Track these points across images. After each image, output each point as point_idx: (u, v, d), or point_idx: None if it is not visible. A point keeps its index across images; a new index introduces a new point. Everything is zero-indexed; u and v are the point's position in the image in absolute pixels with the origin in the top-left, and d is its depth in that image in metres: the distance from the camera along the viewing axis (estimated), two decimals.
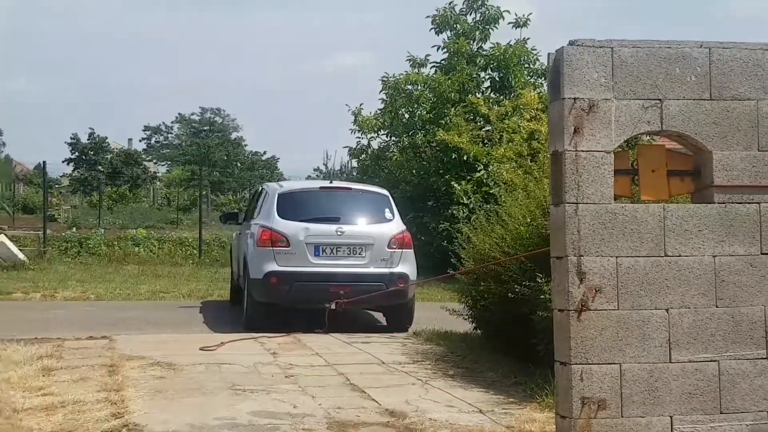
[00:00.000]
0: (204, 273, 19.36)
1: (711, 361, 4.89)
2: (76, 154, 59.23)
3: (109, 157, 58.85)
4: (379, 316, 12.00)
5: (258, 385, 7.26)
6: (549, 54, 4.99)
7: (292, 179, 15.03)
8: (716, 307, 4.91)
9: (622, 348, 4.79)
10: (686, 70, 4.96)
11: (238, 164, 69.41)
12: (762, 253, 4.95)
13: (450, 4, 19.52)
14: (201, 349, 8.94)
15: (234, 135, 78.87)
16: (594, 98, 4.82)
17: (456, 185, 16.62)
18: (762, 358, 4.93)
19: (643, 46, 4.94)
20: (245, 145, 76.77)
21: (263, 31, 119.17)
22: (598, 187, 4.80)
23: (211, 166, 60.63)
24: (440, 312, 10.85)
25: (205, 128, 79.15)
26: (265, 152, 74.98)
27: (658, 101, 4.91)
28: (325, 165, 31.89)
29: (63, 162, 58.78)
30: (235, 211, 18.89)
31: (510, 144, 15.07)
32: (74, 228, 27.25)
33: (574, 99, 4.80)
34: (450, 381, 7.72)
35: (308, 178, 29.75)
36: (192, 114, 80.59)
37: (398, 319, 11.18)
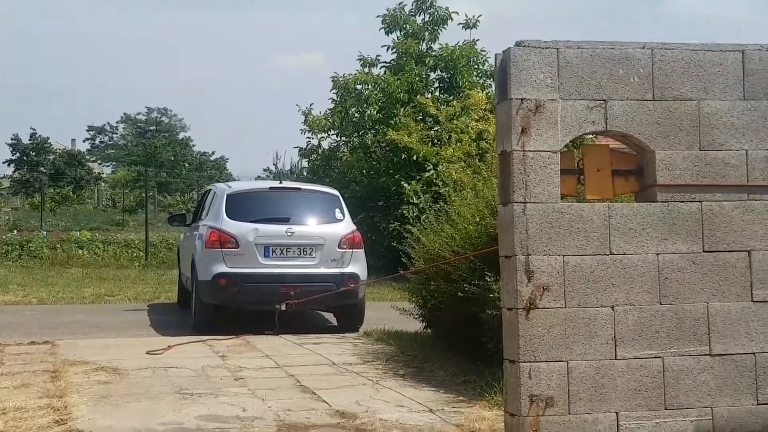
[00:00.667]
0: (151, 275, 19.09)
1: (655, 357, 4.97)
2: (17, 155, 58.02)
3: (51, 158, 57.77)
4: (330, 317, 11.96)
5: (206, 389, 7.17)
6: (496, 55, 5.03)
7: (241, 180, 14.91)
8: (660, 304, 4.99)
9: (569, 345, 4.84)
10: (629, 71, 5.03)
11: (186, 165, 68.61)
12: (704, 251, 5.05)
13: (400, 4, 19.55)
14: (147, 352, 8.80)
15: (181, 135, 77.98)
16: (540, 99, 4.86)
17: (406, 185, 16.61)
18: (705, 355, 5.02)
19: (587, 47, 5.00)
20: (193, 146, 75.95)
21: (209, 30, 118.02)
22: (545, 186, 4.84)
23: (157, 166, 59.78)
24: (391, 312, 10.86)
25: (152, 128, 78.16)
26: (213, 153, 74.36)
27: (603, 102, 4.98)
28: (275, 165, 31.76)
29: (3, 163, 57.62)
30: (183, 212, 18.64)
31: (459, 144, 15.15)
32: (15, 231, 26.68)
33: (521, 99, 4.84)
34: (400, 381, 7.73)
35: (258, 178, 29.60)
36: (138, 114, 79.56)
37: (349, 319, 11.17)
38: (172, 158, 67.84)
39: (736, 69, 5.13)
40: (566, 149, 5.05)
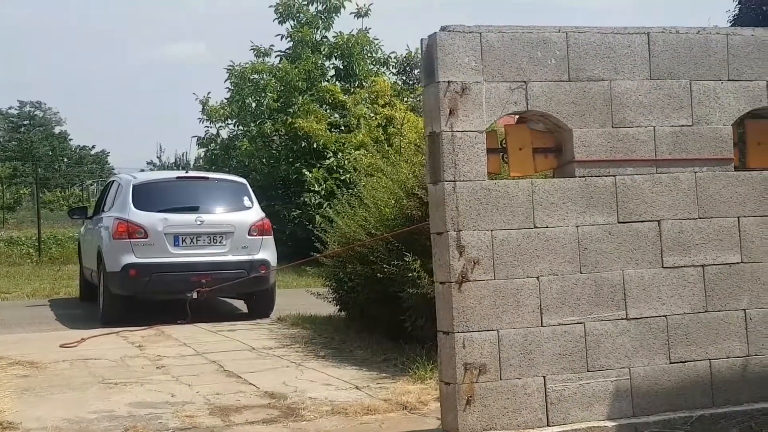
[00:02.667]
0: (46, 272, 18.56)
1: (578, 323, 5.27)
2: None
3: None
4: (240, 304, 12.00)
5: (129, 378, 7.15)
6: (422, 39, 5.20)
7: (122, 172, 14.68)
8: (580, 273, 5.29)
9: (499, 315, 5.09)
10: (547, 54, 5.30)
11: (65, 159, 66.31)
12: (619, 222, 5.38)
13: None
14: (61, 346, 8.66)
15: (58, 129, 75.08)
16: (466, 81, 5.08)
17: (307, 173, 16.76)
18: (622, 319, 5.36)
19: (507, 31, 5.24)
20: (71, 140, 73.38)
21: (84, 18, 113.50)
22: (473, 165, 5.06)
23: (35, 162, 57.52)
24: (300, 297, 11.02)
25: (26, 123, 74.95)
26: (93, 146, 71.99)
27: (524, 83, 5.23)
28: (159, 158, 31.20)
29: None
30: (84, 205, 18.23)
31: (367, 130, 15.34)
32: None
33: (449, 82, 5.04)
34: (322, 361, 7.88)
35: (141, 171, 29.05)
36: (9, 108, 76.09)
37: (260, 305, 11.30)
38: (50, 153, 65.38)
39: (642, 51, 5.47)
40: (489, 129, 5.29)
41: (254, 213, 11.16)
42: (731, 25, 17.71)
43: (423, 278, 7.18)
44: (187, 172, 13.24)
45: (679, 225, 5.46)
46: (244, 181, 12.00)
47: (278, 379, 7.04)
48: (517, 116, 5.51)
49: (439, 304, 5.15)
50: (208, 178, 12.21)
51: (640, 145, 5.43)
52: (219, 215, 10.95)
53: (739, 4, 19.03)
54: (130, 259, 10.32)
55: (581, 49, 5.36)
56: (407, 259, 7.41)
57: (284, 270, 14.94)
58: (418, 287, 7.27)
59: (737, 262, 5.56)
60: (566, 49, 5.33)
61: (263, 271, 10.77)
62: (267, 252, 10.99)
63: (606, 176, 5.37)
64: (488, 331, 5.08)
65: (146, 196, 10.91)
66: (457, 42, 5.09)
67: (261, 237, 10.95)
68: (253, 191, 11.88)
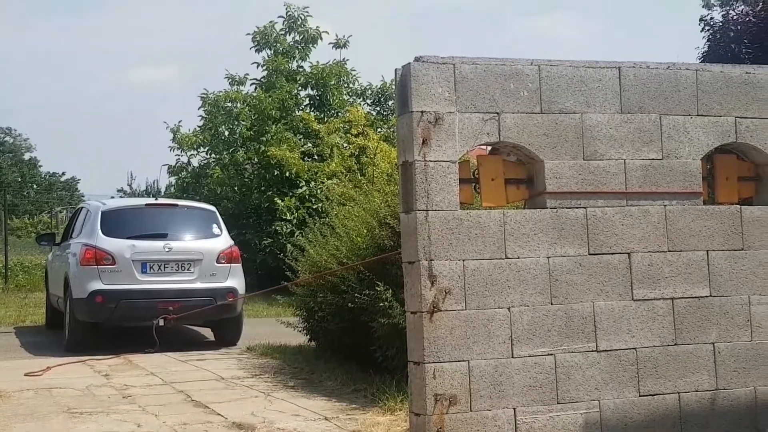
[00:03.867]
0: (12, 299, 18.27)
1: (548, 354, 5.27)
2: None
3: None
4: (207, 332, 11.90)
5: (95, 407, 7.02)
6: (396, 69, 5.23)
7: (92, 199, 14.57)
8: (551, 304, 5.30)
9: (470, 346, 5.08)
10: (520, 86, 5.35)
11: (34, 186, 65.70)
12: (589, 254, 5.40)
13: (270, 23, 19.64)
14: (26, 374, 8.50)
15: (27, 155, 74.39)
16: (439, 111, 5.10)
17: (279, 201, 16.72)
18: (592, 351, 5.37)
19: (481, 63, 5.28)
20: (40, 166, 72.74)
21: (52, 46, 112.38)
22: (445, 195, 5.07)
23: (3, 188, 56.90)
24: (271, 327, 10.94)
25: None
26: (64, 173, 71.36)
27: (496, 114, 5.27)
28: (129, 186, 31.00)
29: None
30: (53, 232, 18.09)
31: (340, 159, 15.38)
32: None
33: (422, 112, 5.07)
34: (292, 392, 7.79)
35: (112, 198, 28.86)
36: None
37: (227, 333, 11.30)
38: (19, 179, 64.74)
39: (613, 84, 5.54)
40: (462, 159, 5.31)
41: (223, 240, 11.14)
42: (701, 62, 18.02)
43: (394, 308, 7.15)
44: (156, 199, 13.18)
45: (649, 257, 5.49)
46: (213, 208, 12.00)
47: (246, 410, 6.95)
48: (489, 147, 5.54)
49: (410, 334, 5.12)
50: (177, 205, 12.20)
51: (611, 178, 5.47)
52: (187, 242, 10.91)
53: (708, 41, 19.38)
54: (97, 285, 10.24)
55: (553, 82, 5.41)
56: (379, 289, 7.38)
57: (254, 299, 14.86)
58: (390, 317, 7.23)
59: (706, 296, 5.60)
60: (539, 81, 5.38)
61: (231, 299, 10.74)
62: (235, 280, 10.97)
63: (577, 208, 5.40)
64: (459, 361, 5.06)
65: (115, 222, 10.85)
66: (430, 72, 5.12)
67: (229, 264, 10.93)
68: (225, 220, 11.85)
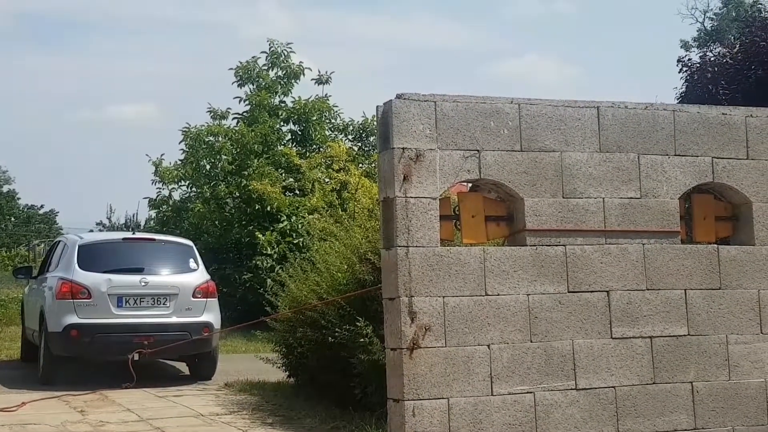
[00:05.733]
0: None
1: (528, 392, 5.26)
2: None
3: None
4: (182, 367, 11.83)
5: None
6: (377, 106, 5.26)
7: (71, 232, 14.48)
8: (531, 342, 5.30)
9: (449, 383, 5.06)
10: (500, 124, 5.39)
11: (12, 218, 65.21)
12: (569, 292, 5.42)
13: (253, 58, 19.74)
14: (0, 410, 8.37)
15: (6, 188, 73.91)
16: (421, 148, 5.13)
17: (260, 236, 16.67)
18: (571, 389, 5.36)
19: (462, 101, 5.33)
20: (19, 199, 72.27)
21: (30, 78, 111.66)
22: (426, 231, 5.09)
23: None
24: (249, 363, 10.88)
25: None
26: (42, 206, 70.88)
27: (477, 152, 5.30)
28: (109, 219, 30.87)
29: None
30: (30, 265, 17.95)
31: (321, 194, 15.39)
32: None
33: (403, 149, 5.09)
34: (270, 429, 7.73)
35: (90, 231, 28.72)
36: None
37: (202, 367, 11.32)
38: None
39: (592, 124, 5.60)
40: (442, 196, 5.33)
41: (199, 275, 11.16)
42: (678, 102, 18.26)
43: (374, 344, 7.13)
44: (134, 233, 13.19)
45: (628, 296, 5.51)
46: (190, 243, 12.04)
47: None
48: (470, 184, 5.57)
49: (390, 370, 5.10)
50: (154, 239, 12.25)
51: (590, 216, 5.51)
52: (164, 277, 10.93)
53: (686, 82, 19.64)
54: (73, 319, 10.21)
55: (533, 121, 5.46)
56: (359, 324, 7.36)
57: (233, 335, 14.78)
58: (370, 353, 7.21)
59: (684, 335, 5.62)
60: (519, 119, 5.43)
61: (206, 334, 10.72)
62: (211, 314, 10.97)
63: (556, 245, 5.42)
64: (439, 399, 5.03)
65: (91, 256, 10.85)
66: (412, 110, 5.16)
67: (205, 299, 10.94)
68: (205, 254, 11.84)
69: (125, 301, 10.54)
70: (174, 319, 10.64)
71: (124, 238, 12.16)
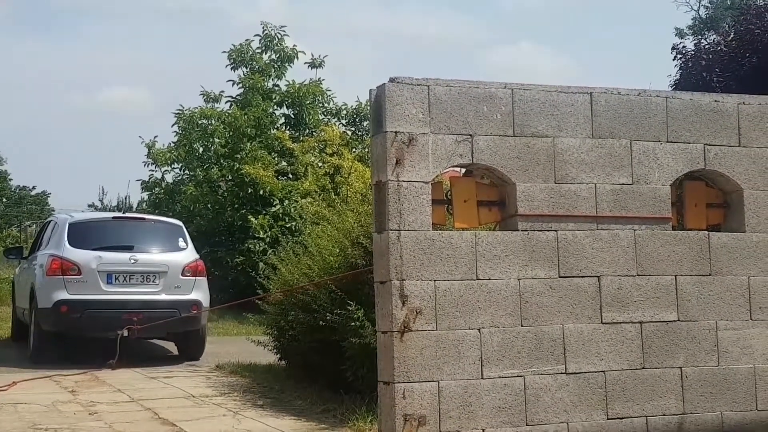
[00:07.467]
0: None
1: (518, 376, 5.30)
2: None
3: None
4: (171, 347, 11.87)
5: (61, 424, 6.92)
6: (371, 90, 5.26)
7: (62, 212, 14.61)
8: (521, 326, 5.33)
9: (440, 366, 5.09)
10: (493, 109, 5.40)
11: (4, 199, 65.03)
12: (560, 277, 5.45)
13: (247, 41, 19.65)
14: None
15: None
16: (413, 132, 5.14)
17: (253, 219, 16.66)
18: (561, 373, 5.40)
19: (455, 85, 5.33)
20: (10, 180, 72.01)
21: (23, 61, 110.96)
22: (418, 215, 5.10)
23: None
24: (241, 345, 10.89)
25: None
26: (34, 187, 70.64)
27: (470, 136, 5.31)
28: (101, 201, 30.73)
29: None
30: (20, 245, 17.94)
31: (314, 178, 15.38)
32: None
33: (396, 132, 5.10)
34: (261, 411, 7.73)
35: (82, 212, 28.63)
36: None
37: (190, 347, 11.38)
38: None
39: (585, 109, 5.61)
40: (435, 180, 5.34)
41: (188, 254, 11.21)
42: (672, 90, 18.25)
43: (366, 327, 7.13)
44: (124, 212, 13.25)
45: (618, 281, 5.54)
46: (179, 222, 12.13)
47: (214, 428, 6.88)
48: (463, 169, 5.58)
49: (381, 353, 5.12)
50: (144, 218, 12.38)
51: (582, 202, 5.53)
52: (153, 255, 10.97)
53: (680, 69, 19.63)
54: (62, 295, 10.24)
55: (526, 106, 5.47)
56: (350, 308, 7.36)
57: (225, 318, 14.80)
58: (361, 336, 7.21)
59: (674, 320, 5.66)
60: (512, 104, 5.43)
61: (195, 311, 10.76)
62: (199, 293, 11.03)
63: (548, 231, 5.44)
64: (429, 381, 5.06)
65: (82, 234, 10.89)
66: (405, 93, 5.16)
67: (194, 278, 10.99)
68: (197, 237, 11.86)
69: (115, 278, 10.59)
70: (163, 297, 10.71)
71: (114, 217, 12.26)
